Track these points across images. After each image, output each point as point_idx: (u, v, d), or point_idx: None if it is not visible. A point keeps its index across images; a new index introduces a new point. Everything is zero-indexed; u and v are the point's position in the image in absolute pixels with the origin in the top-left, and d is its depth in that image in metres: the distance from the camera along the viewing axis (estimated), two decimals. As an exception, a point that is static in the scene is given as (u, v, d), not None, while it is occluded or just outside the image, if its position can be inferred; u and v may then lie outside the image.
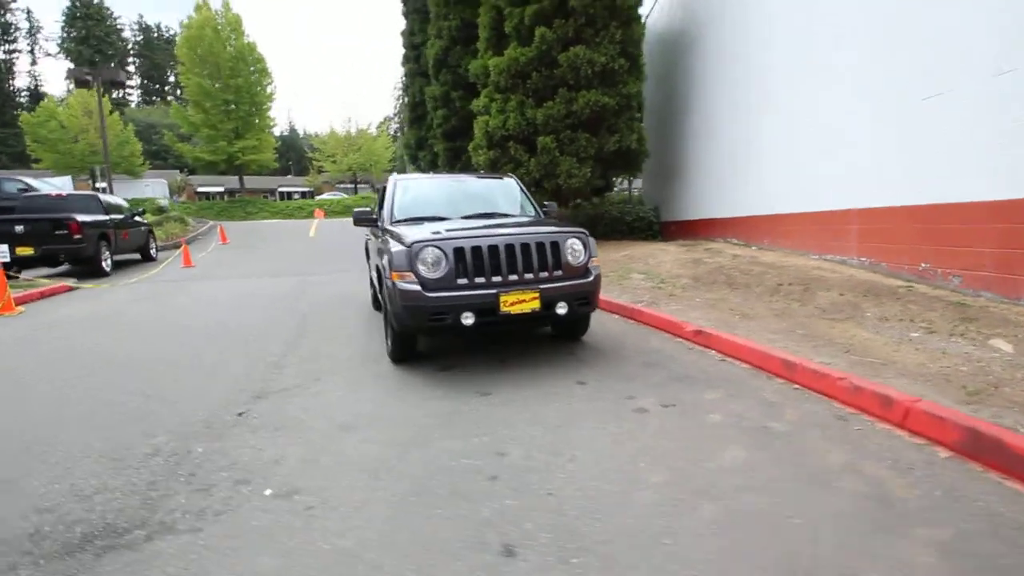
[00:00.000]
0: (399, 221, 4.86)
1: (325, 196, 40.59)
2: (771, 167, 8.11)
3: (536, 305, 3.91)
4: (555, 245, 4.10)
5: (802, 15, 7.29)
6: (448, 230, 4.17)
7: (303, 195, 44.84)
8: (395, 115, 70.45)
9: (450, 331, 3.95)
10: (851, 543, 1.88)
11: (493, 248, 3.93)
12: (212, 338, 5.56)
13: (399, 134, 62.27)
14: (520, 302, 3.87)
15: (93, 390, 3.94)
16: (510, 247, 3.95)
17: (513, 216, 5.08)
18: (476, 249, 3.90)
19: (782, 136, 7.78)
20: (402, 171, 54.32)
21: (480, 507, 2.19)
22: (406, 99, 19.41)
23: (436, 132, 15.96)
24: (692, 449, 2.64)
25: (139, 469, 2.67)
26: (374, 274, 6.03)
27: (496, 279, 3.91)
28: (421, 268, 3.85)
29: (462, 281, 3.88)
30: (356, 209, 5.29)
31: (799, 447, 2.61)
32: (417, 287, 3.82)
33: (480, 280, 3.89)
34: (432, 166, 18.42)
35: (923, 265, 5.42)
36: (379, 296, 5.09)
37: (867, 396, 2.95)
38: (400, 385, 3.84)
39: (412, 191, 5.26)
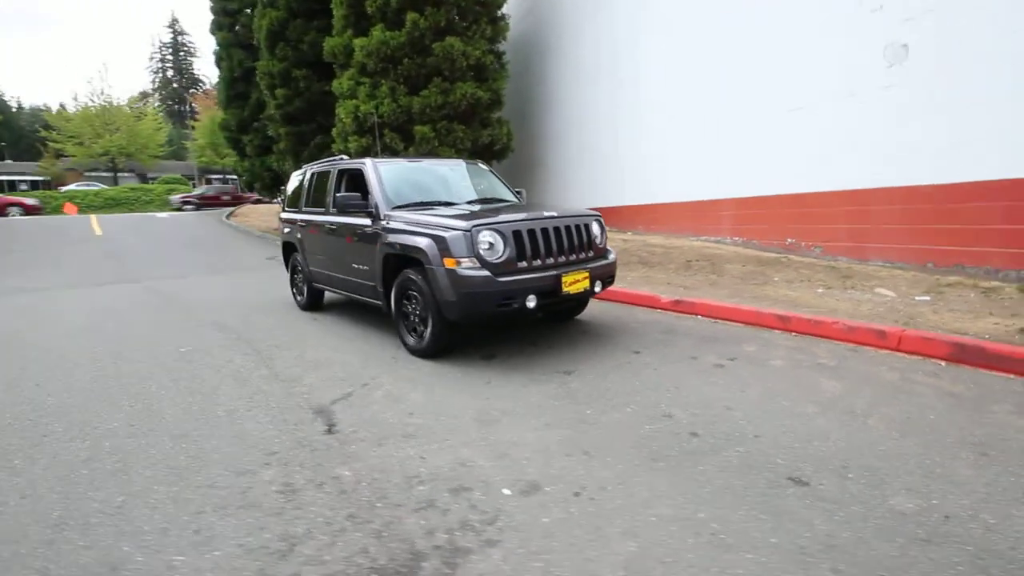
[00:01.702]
0: (401, 207, 4.46)
1: (73, 187, 32.12)
2: (648, 163, 9.43)
3: (587, 284, 4.10)
4: (587, 227, 4.32)
5: (677, 31, 8.66)
6: (482, 213, 4.05)
7: (35, 185, 34.46)
8: (155, 91, 58.89)
9: (512, 315, 3.88)
10: (973, 419, 2.65)
11: (545, 231, 3.97)
12: (137, 362, 4.29)
13: (164, 114, 52.34)
14: (576, 282, 4.01)
15: (87, 442, 2.82)
16: (559, 229, 4.05)
17: (508, 200, 5.09)
18: (532, 232, 3.90)
19: (658, 136, 9.12)
20: (180, 158, 45.71)
21: (725, 457, 2.39)
22: (219, 73, 16.51)
23: (274, 114, 14.12)
24: (798, 387, 3.21)
25: (301, 507, 2.13)
26: (324, 268, 5.38)
27: (550, 260, 3.97)
28: (483, 252, 3.70)
29: (522, 264, 3.84)
30: (340, 195, 4.62)
31: (859, 373, 3.39)
32: (485, 272, 3.66)
33: (537, 263, 3.91)
34: (263, 152, 16.21)
35: (789, 240, 7.09)
36: (360, 289, 4.54)
37: (862, 332, 3.94)
38: (469, 377, 3.63)
39: (398, 175, 4.83)
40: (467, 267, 3.67)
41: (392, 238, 4.22)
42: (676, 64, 8.63)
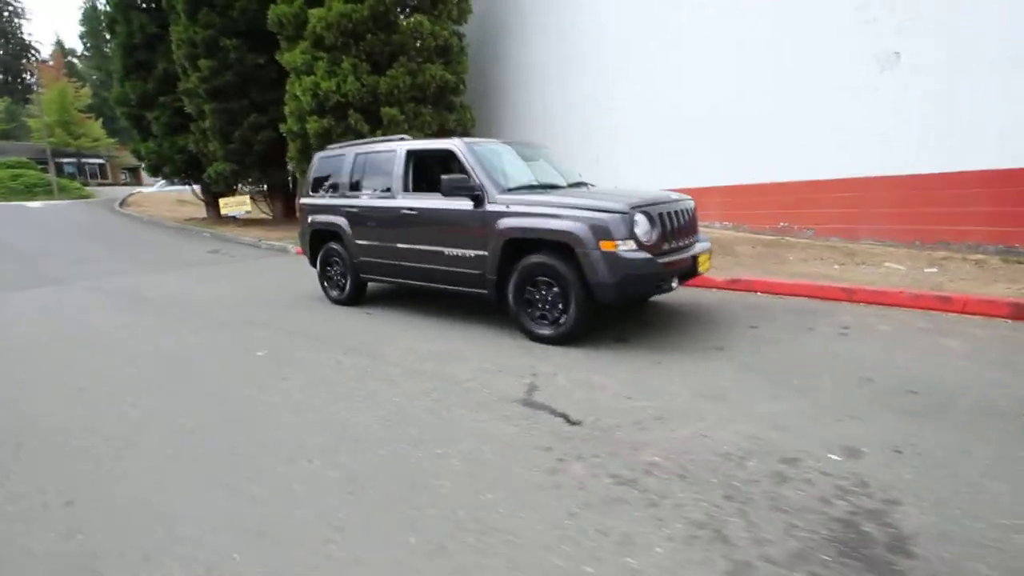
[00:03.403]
0: (511, 190, 4.27)
1: None
2: (634, 152, 9.82)
3: (709, 264, 4.28)
4: (694, 210, 4.48)
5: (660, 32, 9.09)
6: (617, 195, 4.03)
7: None
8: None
9: (653, 295, 3.96)
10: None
11: (676, 213, 4.07)
12: (218, 367, 3.68)
13: None
14: (704, 262, 4.17)
15: (314, 462, 2.37)
16: (682, 212, 4.17)
17: (589, 184, 5.07)
18: (669, 215, 3.98)
19: (645, 126, 9.54)
20: (15, 138, 38.41)
21: (962, 408, 2.71)
22: (113, 40, 13.83)
23: (196, 88, 12.41)
24: (929, 346, 3.67)
25: (668, 496, 2.05)
26: (387, 257, 5.00)
27: (679, 243, 4.09)
28: (641, 235, 3.70)
29: (666, 246, 3.91)
30: (447, 177, 4.26)
31: (960, 333, 3.93)
32: (646, 254, 3.67)
33: (674, 244, 4.00)
34: (174, 131, 14.15)
35: (782, 224, 7.88)
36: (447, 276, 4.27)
37: (928, 299, 4.58)
38: (631, 360, 3.61)
39: (492, 157, 4.59)
40: (626, 249, 3.65)
41: (516, 222, 4.04)
42: (652, 60, 9.08)
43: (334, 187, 5.55)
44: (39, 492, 2.23)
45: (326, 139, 10.78)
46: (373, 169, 5.19)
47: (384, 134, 10.67)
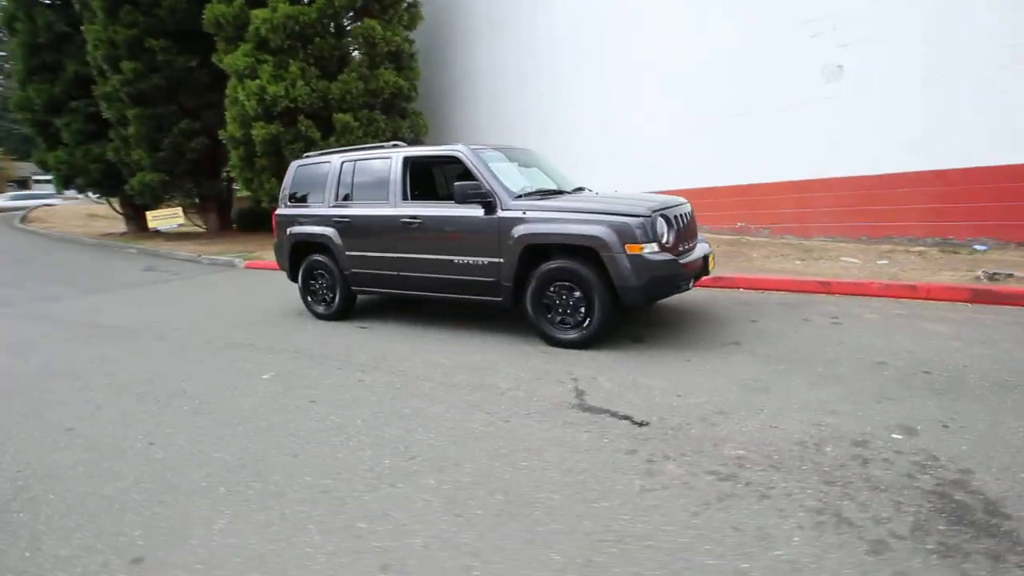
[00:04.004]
0: (522, 196, 4.26)
1: None
2: (599, 163, 10.06)
3: (713, 264, 4.47)
4: (693, 212, 4.68)
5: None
6: (638, 199, 4.12)
7: None
8: None
9: (672, 295, 4.09)
10: (1053, 339, 3.74)
11: (684, 215, 4.24)
12: (231, 399, 3.37)
13: None
14: (712, 262, 4.36)
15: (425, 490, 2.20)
16: (688, 215, 4.34)
17: (593, 190, 5.14)
18: (678, 217, 4.13)
19: (613, 138, 9.83)
20: None
21: (977, 382, 3.01)
22: (12, 39, 12.17)
23: (118, 91, 11.33)
24: (918, 331, 4.04)
25: (775, 487, 2.12)
26: (384, 268, 4.86)
27: (688, 245, 4.25)
28: (662, 238, 3.81)
29: (681, 248, 4.05)
30: (459, 183, 4.14)
31: (938, 317, 4.36)
32: (669, 256, 3.78)
33: (686, 246, 4.15)
34: (88, 138, 12.78)
35: (739, 224, 8.39)
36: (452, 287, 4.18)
37: (897, 288, 5.05)
38: (660, 360, 3.71)
39: (504, 163, 4.55)
40: (651, 252, 3.74)
41: (536, 228, 4.03)
42: (606, 76, 9.41)
43: (316, 197, 5.26)
44: (89, 551, 1.94)
45: (274, 146, 10.24)
46: (365, 177, 4.97)
47: (337, 141, 10.28)
